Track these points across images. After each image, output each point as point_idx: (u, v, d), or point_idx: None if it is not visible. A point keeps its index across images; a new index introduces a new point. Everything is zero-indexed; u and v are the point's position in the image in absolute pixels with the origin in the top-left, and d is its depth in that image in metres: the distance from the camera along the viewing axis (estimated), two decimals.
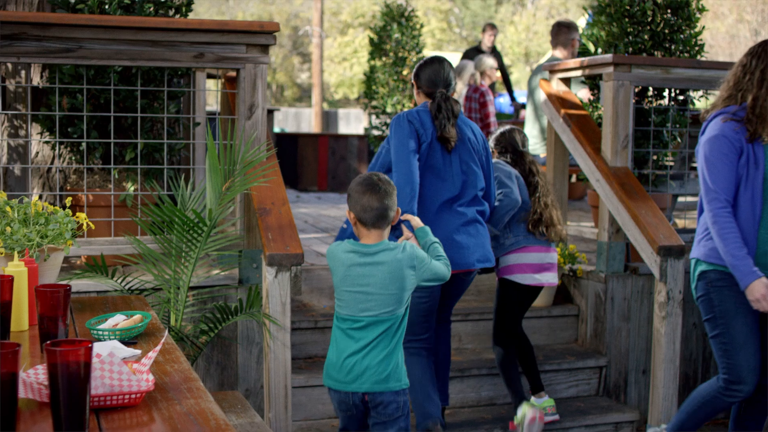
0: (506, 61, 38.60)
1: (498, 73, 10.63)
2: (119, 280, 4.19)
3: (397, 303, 3.59)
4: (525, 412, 4.60)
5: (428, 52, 26.03)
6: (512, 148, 4.88)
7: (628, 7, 5.70)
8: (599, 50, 5.86)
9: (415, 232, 3.97)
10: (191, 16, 5.25)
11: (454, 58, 19.64)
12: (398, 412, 3.61)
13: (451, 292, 4.46)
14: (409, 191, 4.13)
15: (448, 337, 4.61)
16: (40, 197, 5.58)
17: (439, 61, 4.49)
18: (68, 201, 3.69)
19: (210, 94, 6.01)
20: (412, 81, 4.56)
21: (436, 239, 3.90)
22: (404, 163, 4.19)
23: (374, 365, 3.54)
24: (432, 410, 4.24)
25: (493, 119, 9.73)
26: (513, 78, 37.38)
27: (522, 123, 8.92)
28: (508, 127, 5.00)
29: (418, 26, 10.63)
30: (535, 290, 4.78)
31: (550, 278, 4.75)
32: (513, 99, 12.03)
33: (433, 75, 4.44)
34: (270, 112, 14.04)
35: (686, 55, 5.78)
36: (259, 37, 4.58)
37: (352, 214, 3.66)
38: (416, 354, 4.29)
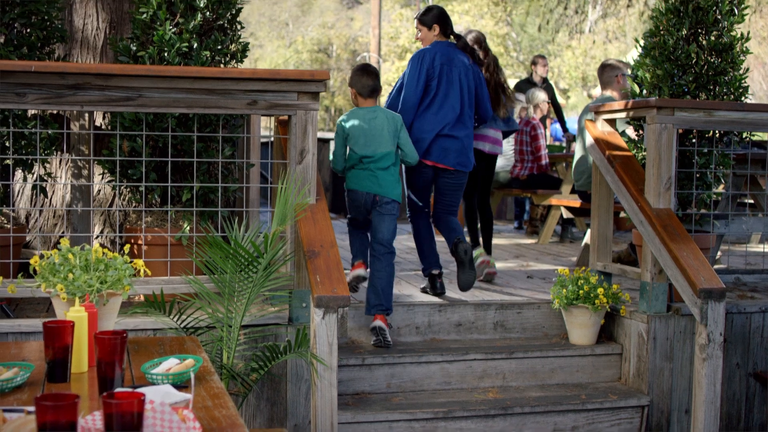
0: (564, 85, 38.55)
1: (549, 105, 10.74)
2: (174, 318, 4.38)
3: (386, 146, 5.53)
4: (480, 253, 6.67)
5: None
6: (471, 49, 6.30)
7: (672, 50, 5.81)
8: (644, 92, 5.97)
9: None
10: (246, 62, 5.46)
11: (509, 84, 19.71)
12: (394, 210, 5.59)
13: (444, 183, 6.03)
14: (410, 113, 5.85)
15: (455, 224, 6.04)
16: (101, 233, 5.82)
17: (444, 11, 6.14)
18: (126, 248, 3.90)
19: (265, 119, 6.45)
20: (420, 25, 6.13)
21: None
22: (412, 92, 5.88)
23: (384, 181, 5.51)
24: (432, 260, 6.00)
25: (544, 152, 9.84)
26: (570, 102, 37.31)
27: (572, 156, 9.01)
28: (472, 34, 6.55)
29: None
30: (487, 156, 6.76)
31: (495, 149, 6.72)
32: (566, 130, 12.11)
33: (446, 16, 6.10)
34: (327, 141, 14.20)
35: (731, 97, 5.86)
36: (309, 84, 4.78)
37: (353, 90, 5.66)
38: (419, 215, 6.06)
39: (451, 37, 6.19)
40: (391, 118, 5.61)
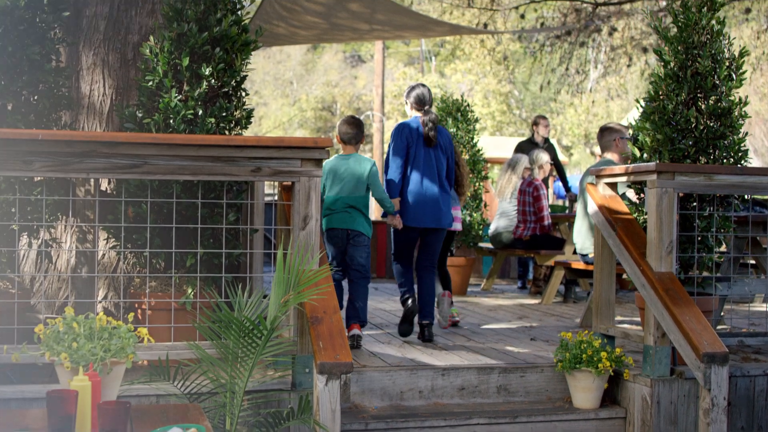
0: (566, 142, 38.78)
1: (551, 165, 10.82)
2: (178, 385, 4.39)
3: (360, 189, 6.55)
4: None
5: (488, 137, 26.30)
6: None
7: (671, 115, 5.87)
8: (645, 155, 6.02)
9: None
10: (249, 130, 5.53)
11: (512, 142, 19.86)
12: (365, 242, 6.58)
13: (426, 240, 6.97)
14: (396, 185, 6.71)
15: (431, 280, 7.01)
16: (105, 297, 5.85)
17: (422, 86, 7.04)
18: (130, 317, 3.92)
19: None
20: (405, 99, 7.06)
21: (392, 207, 6.69)
22: (396, 165, 6.74)
23: (357, 219, 6.53)
24: (408, 293, 6.83)
25: (546, 213, 9.89)
26: (573, 159, 37.50)
27: (575, 216, 9.05)
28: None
29: (473, 120, 10.87)
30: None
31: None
32: (568, 189, 12.17)
33: (420, 96, 6.95)
34: None
35: (731, 160, 5.91)
36: (313, 152, 4.84)
37: (337, 136, 6.70)
38: (403, 264, 6.92)
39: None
40: (362, 162, 6.61)
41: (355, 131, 6.71)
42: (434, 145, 6.86)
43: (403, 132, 6.81)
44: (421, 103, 6.95)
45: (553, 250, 9.81)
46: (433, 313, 6.93)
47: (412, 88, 7.06)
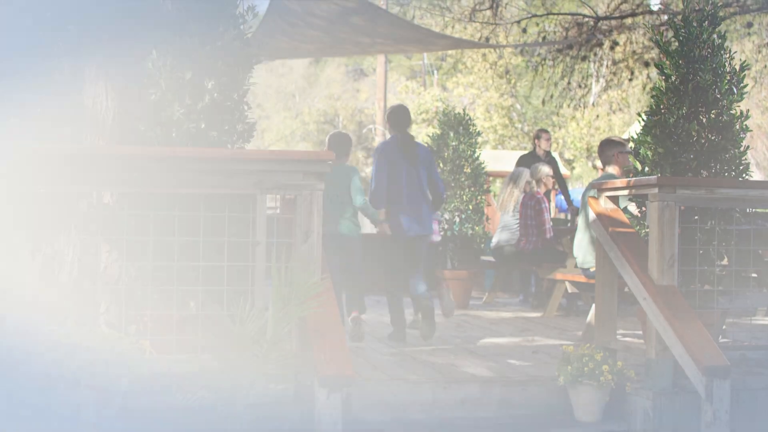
0: (568, 155, 38.76)
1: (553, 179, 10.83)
2: (180, 397, 4.39)
3: (347, 197, 7.44)
4: None
5: (490, 151, 26.35)
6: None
7: (673, 128, 5.88)
8: (646, 169, 6.03)
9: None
10: (252, 144, 5.55)
11: (514, 156, 19.88)
12: (357, 246, 7.49)
13: (411, 247, 7.50)
14: (381, 198, 7.40)
15: (420, 283, 7.53)
16: (107, 310, 5.85)
17: (400, 107, 7.79)
18: (133, 329, 3.93)
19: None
20: (386, 119, 7.70)
21: (375, 214, 7.56)
22: (379, 180, 7.42)
23: (351, 225, 7.45)
24: (400, 321, 7.65)
25: (548, 226, 9.89)
26: (575, 172, 37.49)
27: (575, 229, 9.06)
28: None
29: (474, 134, 10.89)
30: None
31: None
32: (570, 203, 12.17)
33: (396, 117, 7.61)
34: None
35: (732, 174, 5.92)
36: (315, 165, 4.86)
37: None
38: (395, 275, 7.60)
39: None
40: (346, 171, 7.49)
41: (338, 145, 7.58)
42: (415, 162, 7.50)
43: (384, 151, 7.52)
44: (398, 124, 7.61)
45: (555, 264, 9.81)
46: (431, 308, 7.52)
47: (391, 110, 7.76)
